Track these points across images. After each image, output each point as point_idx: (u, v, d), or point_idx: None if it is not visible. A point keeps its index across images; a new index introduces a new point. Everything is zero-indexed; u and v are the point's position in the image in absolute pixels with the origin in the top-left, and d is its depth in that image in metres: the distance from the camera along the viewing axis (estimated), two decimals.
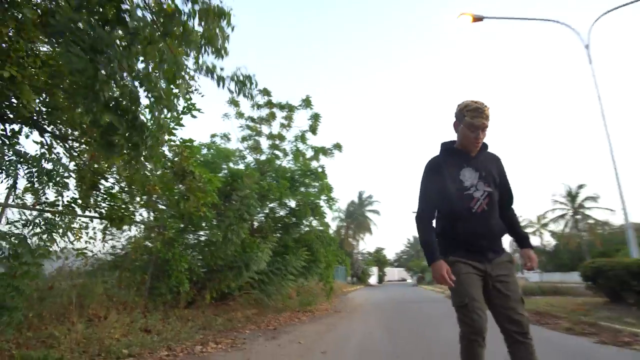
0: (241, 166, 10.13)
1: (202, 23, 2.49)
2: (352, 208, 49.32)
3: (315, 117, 11.95)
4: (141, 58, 2.47)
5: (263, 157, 11.10)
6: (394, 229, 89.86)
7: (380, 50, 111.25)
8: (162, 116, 2.92)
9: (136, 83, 2.50)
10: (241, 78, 2.94)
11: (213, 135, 10.84)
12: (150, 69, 2.56)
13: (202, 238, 7.57)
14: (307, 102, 11.76)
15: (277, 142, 12.01)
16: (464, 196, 2.00)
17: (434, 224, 2.11)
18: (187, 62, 2.83)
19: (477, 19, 10.05)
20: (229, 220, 6.69)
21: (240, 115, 11.45)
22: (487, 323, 1.86)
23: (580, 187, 35.64)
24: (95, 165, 4.82)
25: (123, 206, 4.90)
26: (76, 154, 4.71)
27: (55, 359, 3.60)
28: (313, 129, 12.08)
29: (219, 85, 2.91)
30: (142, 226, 6.05)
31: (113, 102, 2.38)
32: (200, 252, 6.95)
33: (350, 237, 48.30)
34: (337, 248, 12.17)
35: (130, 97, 2.45)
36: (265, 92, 11.23)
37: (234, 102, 11.09)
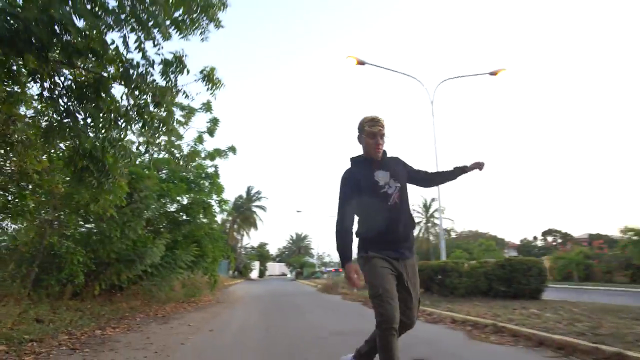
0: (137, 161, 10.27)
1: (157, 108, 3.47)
2: (240, 202, 49.83)
3: (214, 122, 12.72)
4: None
5: (159, 156, 11.36)
6: (278, 225, 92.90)
7: (277, 49, 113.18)
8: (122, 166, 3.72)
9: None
10: None
11: None
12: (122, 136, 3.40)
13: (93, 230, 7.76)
14: (207, 107, 12.42)
15: (174, 139, 12.37)
16: (380, 194, 2.23)
17: (353, 230, 2.30)
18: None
19: (360, 62, 12.31)
20: (126, 217, 7.18)
21: None
22: (398, 312, 2.02)
23: (433, 200, 43.62)
24: None
25: (22, 202, 5.16)
26: None
27: None
28: (211, 131, 12.83)
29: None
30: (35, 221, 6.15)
31: (88, 153, 3.14)
32: (92, 245, 7.22)
33: (235, 231, 48.64)
34: (224, 245, 13.13)
35: (102, 151, 3.25)
36: None
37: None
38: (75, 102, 3.12)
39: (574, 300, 8.05)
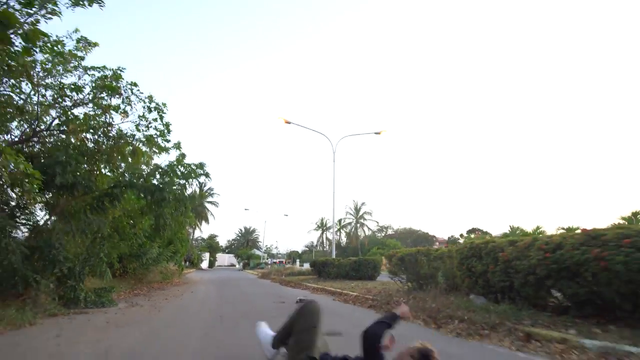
0: None
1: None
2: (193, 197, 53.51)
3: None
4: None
5: None
6: (228, 219, 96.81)
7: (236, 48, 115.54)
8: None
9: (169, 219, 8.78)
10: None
11: None
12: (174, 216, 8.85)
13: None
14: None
15: None
16: None
17: None
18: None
19: (287, 122, 18.06)
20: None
21: None
22: None
23: (363, 204, 51.09)
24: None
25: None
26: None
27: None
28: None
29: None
30: None
31: (162, 222, 8.51)
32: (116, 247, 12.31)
33: (187, 225, 52.44)
34: (189, 245, 18.36)
35: (164, 223, 8.65)
36: None
37: None
38: (157, 204, 8.45)
39: None
